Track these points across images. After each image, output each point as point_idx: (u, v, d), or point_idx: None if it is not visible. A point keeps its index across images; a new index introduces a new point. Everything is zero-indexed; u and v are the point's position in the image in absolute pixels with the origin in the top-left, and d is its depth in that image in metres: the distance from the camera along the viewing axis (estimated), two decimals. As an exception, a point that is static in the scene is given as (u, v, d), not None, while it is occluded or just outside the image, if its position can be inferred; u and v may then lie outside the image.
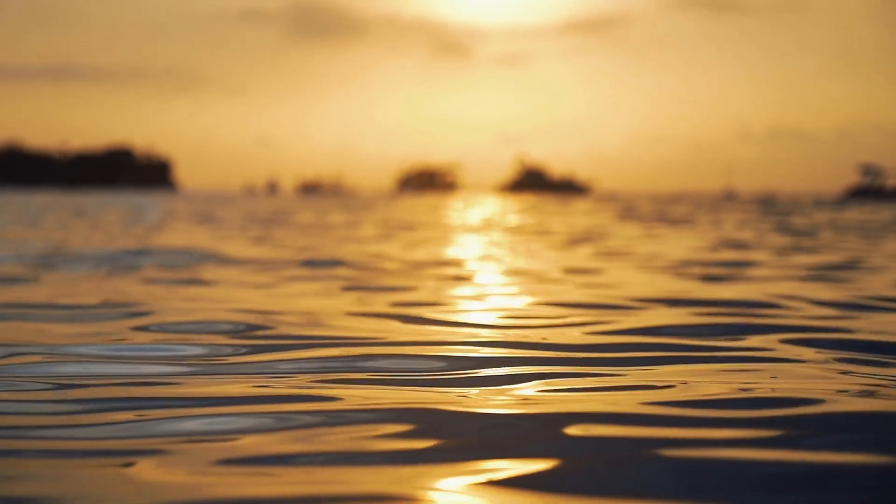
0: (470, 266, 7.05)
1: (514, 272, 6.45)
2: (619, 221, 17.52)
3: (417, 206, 34.31)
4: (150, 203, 34.78)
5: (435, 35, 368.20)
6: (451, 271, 6.50)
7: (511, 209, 29.06)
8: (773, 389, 2.51)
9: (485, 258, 7.95)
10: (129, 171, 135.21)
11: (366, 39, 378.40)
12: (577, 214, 22.47)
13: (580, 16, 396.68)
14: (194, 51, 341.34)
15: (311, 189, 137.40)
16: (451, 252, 8.79)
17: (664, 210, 28.51)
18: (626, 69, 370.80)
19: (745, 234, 12.68)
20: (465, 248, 9.41)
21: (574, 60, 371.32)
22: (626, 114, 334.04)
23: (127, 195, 61.33)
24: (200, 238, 10.80)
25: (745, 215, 23.08)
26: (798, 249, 9.26)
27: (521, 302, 4.62)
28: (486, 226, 15.78)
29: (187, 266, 6.69)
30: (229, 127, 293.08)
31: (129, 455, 1.91)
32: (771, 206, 31.58)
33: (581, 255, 8.21)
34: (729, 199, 73.08)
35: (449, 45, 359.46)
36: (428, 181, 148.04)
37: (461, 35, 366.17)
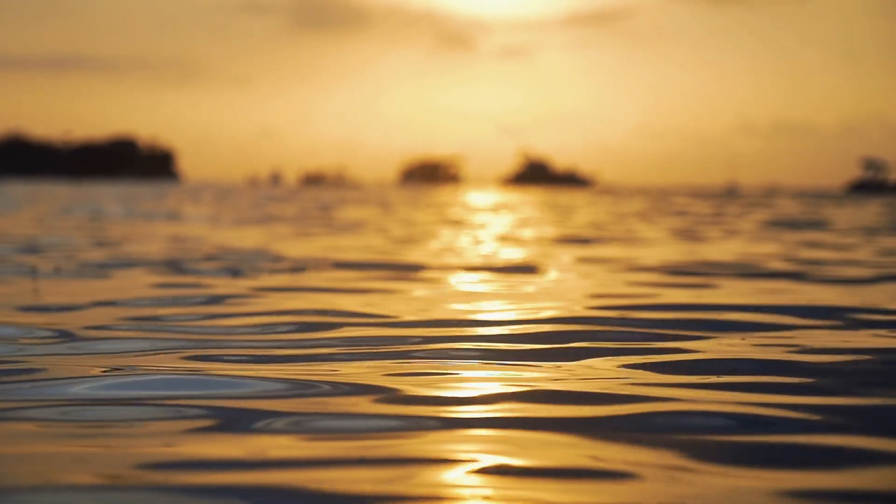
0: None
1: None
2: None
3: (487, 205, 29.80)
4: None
5: (438, 27, 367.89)
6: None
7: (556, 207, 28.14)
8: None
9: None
10: (133, 162, 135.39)
11: (369, 31, 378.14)
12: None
13: (583, 8, 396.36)
14: (197, 41, 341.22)
15: (313, 180, 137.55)
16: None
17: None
18: (629, 62, 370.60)
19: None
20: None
21: (577, 53, 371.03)
22: (628, 106, 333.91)
23: (131, 186, 61.47)
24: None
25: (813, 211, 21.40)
26: None
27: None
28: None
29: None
30: (232, 118, 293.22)
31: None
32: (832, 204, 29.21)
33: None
34: (731, 193, 73.12)
35: (452, 36, 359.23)
36: (431, 173, 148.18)
37: (464, 27, 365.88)
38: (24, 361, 3.01)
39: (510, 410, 2.43)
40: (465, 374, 2.94)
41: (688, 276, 6.21)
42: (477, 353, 3.26)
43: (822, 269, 6.79)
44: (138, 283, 5.44)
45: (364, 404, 2.47)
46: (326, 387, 2.67)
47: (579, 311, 4.35)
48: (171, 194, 36.45)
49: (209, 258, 7.29)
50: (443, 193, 53.29)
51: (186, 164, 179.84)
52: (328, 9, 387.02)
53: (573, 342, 3.47)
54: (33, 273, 5.75)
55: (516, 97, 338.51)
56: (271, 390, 2.63)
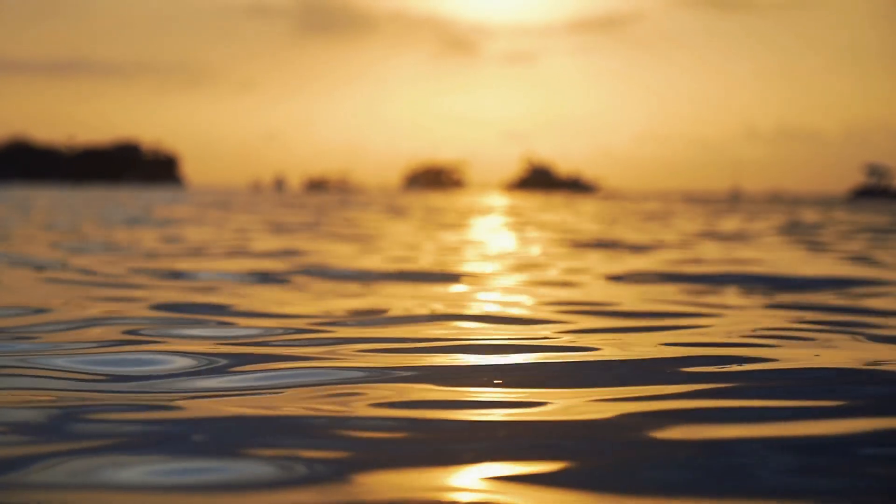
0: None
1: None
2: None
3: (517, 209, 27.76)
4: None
5: (442, 32, 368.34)
6: None
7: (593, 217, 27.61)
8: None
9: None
10: (136, 167, 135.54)
11: (373, 36, 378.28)
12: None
13: (587, 14, 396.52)
14: (201, 46, 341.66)
15: (317, 186, 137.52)
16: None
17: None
18: (633, 67, 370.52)
19: None
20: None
21: (581, 58, 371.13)
22: (632, 112, 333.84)
23: (136, 190, 61.39)
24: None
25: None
26: None
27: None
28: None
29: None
30: (236, 122, 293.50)
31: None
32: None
33: None
34: (735, 198, 73.08)
35: (456, 42, 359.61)
36: (435, 178, 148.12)
37: (468, 32, 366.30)
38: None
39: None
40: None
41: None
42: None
43: None
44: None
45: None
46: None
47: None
48: (199, 201, 36.31)
49: None
50: (451, 198, 53.11)
51: (190, 168, 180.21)
52: (333, 14, 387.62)
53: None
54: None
55: (520, 102, 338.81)
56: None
